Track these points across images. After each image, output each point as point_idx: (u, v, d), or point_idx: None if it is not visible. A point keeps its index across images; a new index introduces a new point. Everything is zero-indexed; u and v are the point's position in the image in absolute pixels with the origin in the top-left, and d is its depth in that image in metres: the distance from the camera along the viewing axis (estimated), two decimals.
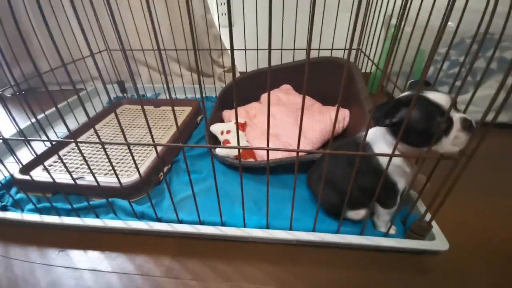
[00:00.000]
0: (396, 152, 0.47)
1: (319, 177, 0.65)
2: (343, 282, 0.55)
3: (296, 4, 1.11)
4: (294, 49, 1.17)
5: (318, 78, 1.12)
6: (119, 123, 0.48)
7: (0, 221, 0.67)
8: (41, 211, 0.68)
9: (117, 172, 0.80)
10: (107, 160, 0.86)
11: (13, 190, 0.76)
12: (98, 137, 0.49)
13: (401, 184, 0.54)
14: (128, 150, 0.90)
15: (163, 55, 1.34)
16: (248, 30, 1.18)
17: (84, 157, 0.53)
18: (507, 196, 0.75)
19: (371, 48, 1.09)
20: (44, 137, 0.55)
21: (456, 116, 0.44)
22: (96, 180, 0.59)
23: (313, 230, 0.61)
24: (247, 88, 1.15)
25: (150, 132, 0.49)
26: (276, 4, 1.08)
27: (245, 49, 1.20)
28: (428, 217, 0.56)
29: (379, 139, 0.53)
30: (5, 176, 0.74)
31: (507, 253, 0.60)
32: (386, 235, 0.60)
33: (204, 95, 1.37)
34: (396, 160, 0.51)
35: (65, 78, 1.53)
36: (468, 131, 0.43)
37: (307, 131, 0.92)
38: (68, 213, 0.68)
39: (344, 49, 1.19)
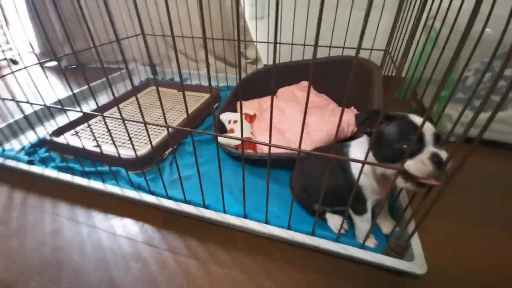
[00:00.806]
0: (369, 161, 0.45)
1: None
2: (307, 286, 0.54)
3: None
4: (316, 46, 1.13)
5: (337, 78, 1.08)
6: (139, 104, 0.53)
7: (25, 173, 0.79)
8: (60, 169, 0.78)
9: (127, 146, 0.89)
10: (121, 133, 0.96)
11: (41, 151, 0.89)
12: (120, 114, 0.54)
13: (368, 192, 0.53)
14: (142, 127, 0.98)
15: (194, 42, 1.40)
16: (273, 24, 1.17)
17: (108, 129, 0.58)
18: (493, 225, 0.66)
19: (399, 51, 1.01)
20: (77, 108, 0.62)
21: (429, 148, 0.43)
22: (101, 149, 0.66)
23: (288, 228, 0.62)
24: (266, 81, 1.16)
25: (164, 115, 0.53)
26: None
27: (267, 42, 1.20)
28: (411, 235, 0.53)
29: (359, 146, 0.53)
30: (38, 136, 0.87)
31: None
32: (362, 246, 0.57)
33: (226, 84, 1.41)
34: (365, 169, 0.50)
35: (109, 57, 1.70)
36: (435, 165, 0.41)
37: (313, 130, 0.90)
38: (81, 174, 0.78)
39: (371, 49, 1.12)
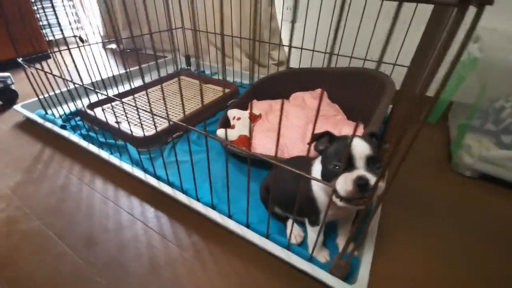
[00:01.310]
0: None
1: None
2: (246, 282, 0.57)
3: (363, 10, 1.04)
4: (338, 55, 1.11)
5: (352, 89, 1.05)
6: (147, 96, 0.63)
7: (57, 135, 0.96)
8: (83, 136, 0.93)
9: (138, 126, 1.01)
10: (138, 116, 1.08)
11: (76, 119, 1.06)
12: (135, 101, 0.63)
13: (321, 204, 0.54)
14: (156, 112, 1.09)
15: (230, 40, 1.48)
16: (308, 29, 1.17)
17: (125, 112, 0.69)
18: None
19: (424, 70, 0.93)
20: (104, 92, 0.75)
21: (359, 171, 0.43)
22: (118, 125, 0.78)
23: (246, 225, 0.65)
24: (283, 84, 1.18)
25: (182, 103, 0.61)
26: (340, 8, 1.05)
27: (290, 46, 1.20)
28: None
29: (319, 163, 0.54)
30: (76, 108, 1.03)
31: None
32: (310, 258, 0.58)
33: (249, 82, 1.45)
34: (320, 184, 0.51)
35: (156, 46, 1.86)
36: (357, 187, 0.41)
37: (309, 139, 0.90)
38: (98, 144, 0.91)
39: (394, 64, 1.05)
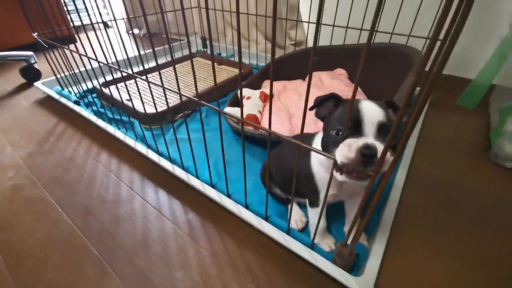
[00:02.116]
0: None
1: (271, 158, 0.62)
2: (238, 264, 0.53)
3: None
4: (361, 29, 1.00)
5: (375, 68, 0.94)
6: (159, 73, 0.60)
7: (70, 110, 0.98)
8: (95, 113, 0.94)
9: (149, 103, 0.99)
10: (150, 93, 1.07)
11: (92, 96, 1.07)
12: (147, 78, 0.60)
13: (320, 182, 0.47)
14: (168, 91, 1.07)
15: (246, 20, 1.41)
16: (328, 5, 1.07)
17: (138, 88, 0.67)
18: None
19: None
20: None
21: (367, 138, 0.36)
22: (132, 103, 0.76)
23: (245, 205, 0.60)
24: (300, 64, 1.10)
25: (195, 84, 0.58)
26: None
27: (308, 22, 1.11)
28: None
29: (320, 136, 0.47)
30: (93, 85, 1.05)
31: None
32: (312, 245, 0.51)
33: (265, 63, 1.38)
34: (320, 158, 0.45)
35: (172, 29, 1.86)
36: (360, 155, 0.34)
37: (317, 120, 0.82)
38: (107, 119, 0.91)
39: (426, 38, 0.92)
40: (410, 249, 0.55)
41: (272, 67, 0.36)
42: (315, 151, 0.39)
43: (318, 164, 0.47)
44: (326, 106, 0.44)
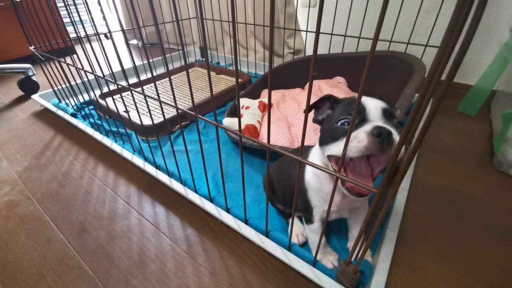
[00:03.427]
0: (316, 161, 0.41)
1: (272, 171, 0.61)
2: (238, 283, 0.51)
3: None
4: (359, 37, 0.99)
5: (375, 76, 0.93)
6: (155, 85, 0.59)
7: (67, 122, 0.97)
8: (92, 125, 0.93)
9: (146, 115, 0.98)
10: (145, 105, 1.06)
11: (89, 108, 1.06)
12: (143, 90, 0.60)
13: (314, 198, 0.45)
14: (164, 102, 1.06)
15: (244, 29, 1.42)
16: (325, 13, 1.08)
17: (134, 101, 0.66)
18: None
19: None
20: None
21: (375, 122, 0.34)
22: (128, 114, 0.75)
23: (245, 220, 0.58)
24: (299, 72, 1.09)
25: (191, 94, 0.57)
26: None
27: (306, 31, 1.11)
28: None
29: (316, 149, 0.45)
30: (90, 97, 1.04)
31: None
32: (314, 262, 0.50)
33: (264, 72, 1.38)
34: (316, 170, 0.44)
35: (171, 39, 1.87)
36: (374, 138, 0.31)
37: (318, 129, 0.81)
38: (105, 132, 0.90)
39: (425, 45, 0.92)
40: (417, 263, 0.53)
41: (270, 77, 0.35)
42: (315, 166, 0.37)
43: (312, 177, 0.45)
44: (323, 108, 0.43)
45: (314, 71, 0.30)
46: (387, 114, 0.35)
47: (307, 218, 0.48)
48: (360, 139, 0.32)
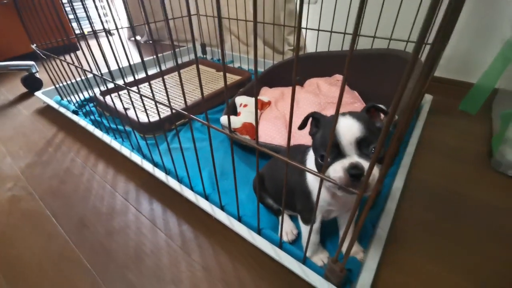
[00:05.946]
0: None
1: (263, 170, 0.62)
2: (230, 279, 0.52)
3: None
4: (358, 35, 0.98)
5: (374, 73, 0.93)
6: (149, 85, 0.60)
7: (69, 119, 0.99)
8: (92, 122, 0.94)
9: (143, 113, 0.99)
10: (146, 102, 1.06)
11: (90, 105, 1.08)
12: (138, 89, 0.61)
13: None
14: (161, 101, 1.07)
15: (245, 26, 1.41)
16: (324, 10, 1.07)
17: (131, 99, 0.67)
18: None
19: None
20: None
21: (352, 158, 0.36)
22: (125, 111, 0.76)
23: (238, 218, 0.59)
24: (298, 70, 1.09)
25: (184, 96, 0.58)
26: None
27: (306, 28, 1.11)
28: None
29: None
30: (89, 95, 1.06)
31: None
32: (304, 260, 0.51)
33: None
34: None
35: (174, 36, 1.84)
36: (350, 177, 0.34)
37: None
38: (105, 129, 0.92)
39: (425, 44, 0.90)
40: (407, 262, 0.53)
41: (256, 79, 0.36)
42: (307, 170, 0.38)
43: (314, 180, 0.46)
44: (312, 124, 0.44)
45: (296, 76, 0.31)
46: (362, 144, 0.36)
47: (307, 218, 0.49)
48: (339, 172, 0.35)
